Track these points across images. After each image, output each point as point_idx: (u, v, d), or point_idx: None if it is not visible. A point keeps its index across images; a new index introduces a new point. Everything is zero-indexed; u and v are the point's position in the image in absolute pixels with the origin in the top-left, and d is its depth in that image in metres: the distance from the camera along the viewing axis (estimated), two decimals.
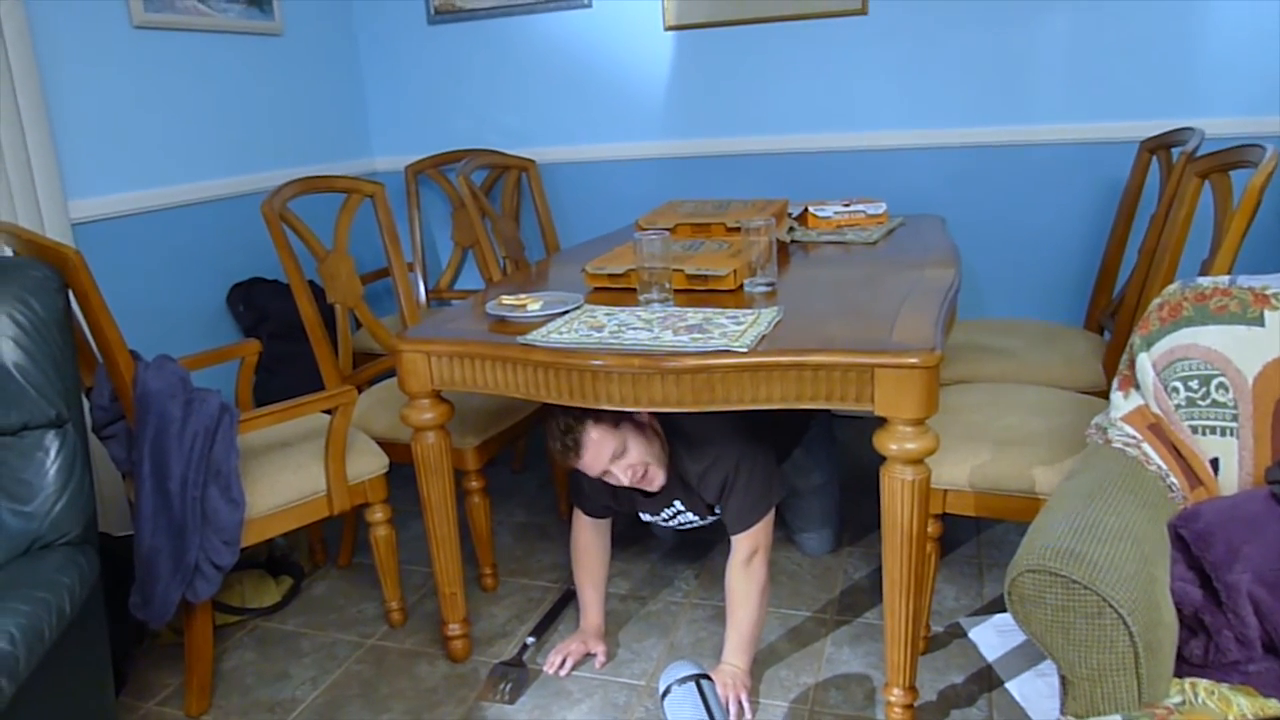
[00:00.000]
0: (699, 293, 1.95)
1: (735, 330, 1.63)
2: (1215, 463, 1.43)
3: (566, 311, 1.84)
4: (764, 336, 1.60)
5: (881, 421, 1.55)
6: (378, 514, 2.14)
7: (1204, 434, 1.44)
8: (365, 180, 2.52)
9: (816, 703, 1.89)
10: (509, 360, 1.69)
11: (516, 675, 2.01)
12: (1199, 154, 2.05)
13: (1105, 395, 1.61)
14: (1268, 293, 1.43)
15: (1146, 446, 1.46)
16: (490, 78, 3.37)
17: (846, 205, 2.64)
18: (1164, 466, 1.44)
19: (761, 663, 2.00)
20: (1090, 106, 2.78)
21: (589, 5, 3.18)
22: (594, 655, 2.05)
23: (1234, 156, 1.87)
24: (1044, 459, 1.76)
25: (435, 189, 3.41)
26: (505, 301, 1.89)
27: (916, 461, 1.56)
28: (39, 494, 1.56)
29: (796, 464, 2.36)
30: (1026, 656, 1.95)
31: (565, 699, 1.94)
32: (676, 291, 1.91)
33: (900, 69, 2.93)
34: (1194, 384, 1.44)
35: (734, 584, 1.91)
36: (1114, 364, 2.01)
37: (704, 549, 2.51)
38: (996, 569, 2.33)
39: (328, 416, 2.03)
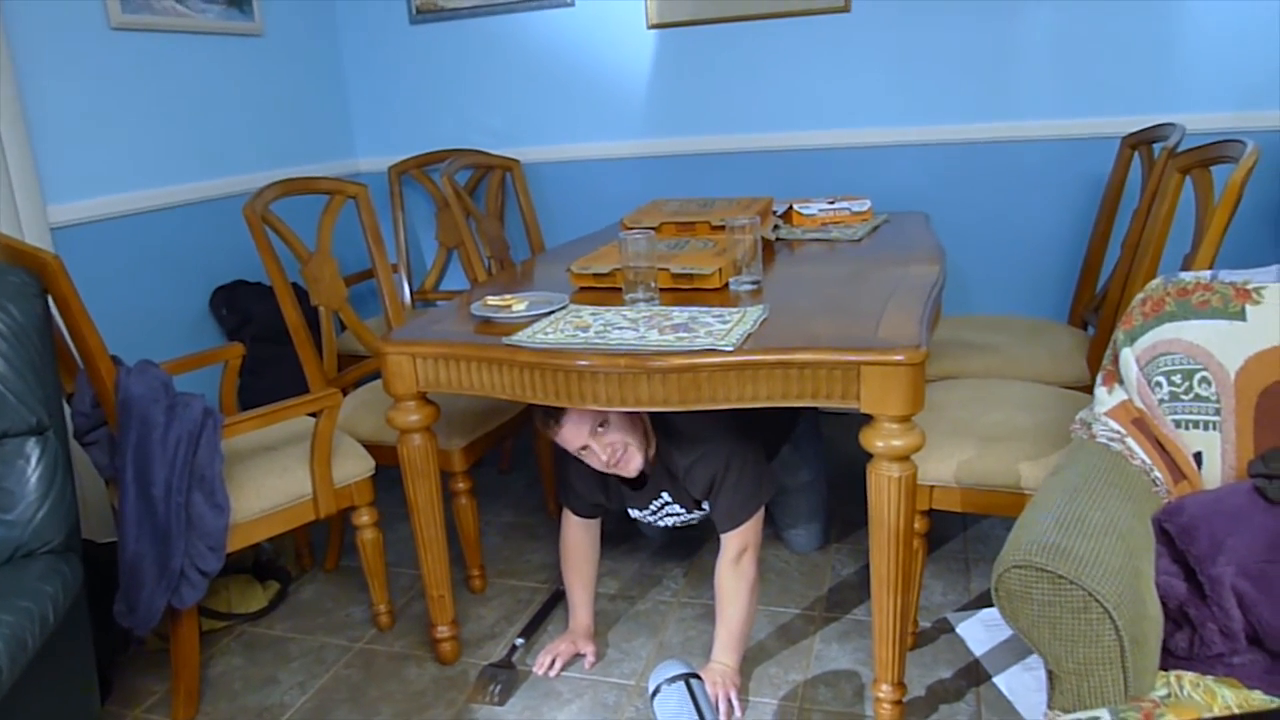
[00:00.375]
0: (684, 291, 1.95)
1: (721, 329, 1.63)
2: (1198, 456, 1.44)
3: (552, 312, 1.83)
4: (750, 335, 1.60)
5: (868, 419, 1.56)
6: (364, 517, 2.13)
7: (1187, 428, 1.45)
8: (348, 181, 2.50)
9: (806, 700, 1.89)
10: (494, 361, 1.69)
11: (506, 676, 2.00)
12: (1180, 149, 2.06)
13: (1089, 390, 1.62)
14: (1249, 287, 1.44)
15: (1130, 441, 1.47)
16: (473, 77, 3.36)
17: (831, 203, 2.64)
18: (1148, 461, 1.45)
19: (751, 660, 2.00)
20: (1072, 102, 2.79)
21: (571, 4, 3.17)
22: (583, 655, 2.05)
23: (1215, 152, 1.88)
24: (1029, 454, 1.76)
25: (419, 190, 3.40)
26: (490, 302, 1.88)
27: (903, 458, 1.56)
28: (20, 502, 1.55)
29: (784, 461, 2.36)
30: (1013, 651, 1.96)
31: (555, 700, 1.94)
32: (662, 290, 1.91)
33: (883, 66, 2.93)
34: (1177, 378, 1.45)
35: (723, 582, 1.91)
36: (1098, 359, 2.02)
37: (693, 548, 2.51)
38: (983, 564, 2.34)
39: (313, 420, 2.01)
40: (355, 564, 2.29)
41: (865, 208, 2.63)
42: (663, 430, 1.93)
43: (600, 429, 1.82)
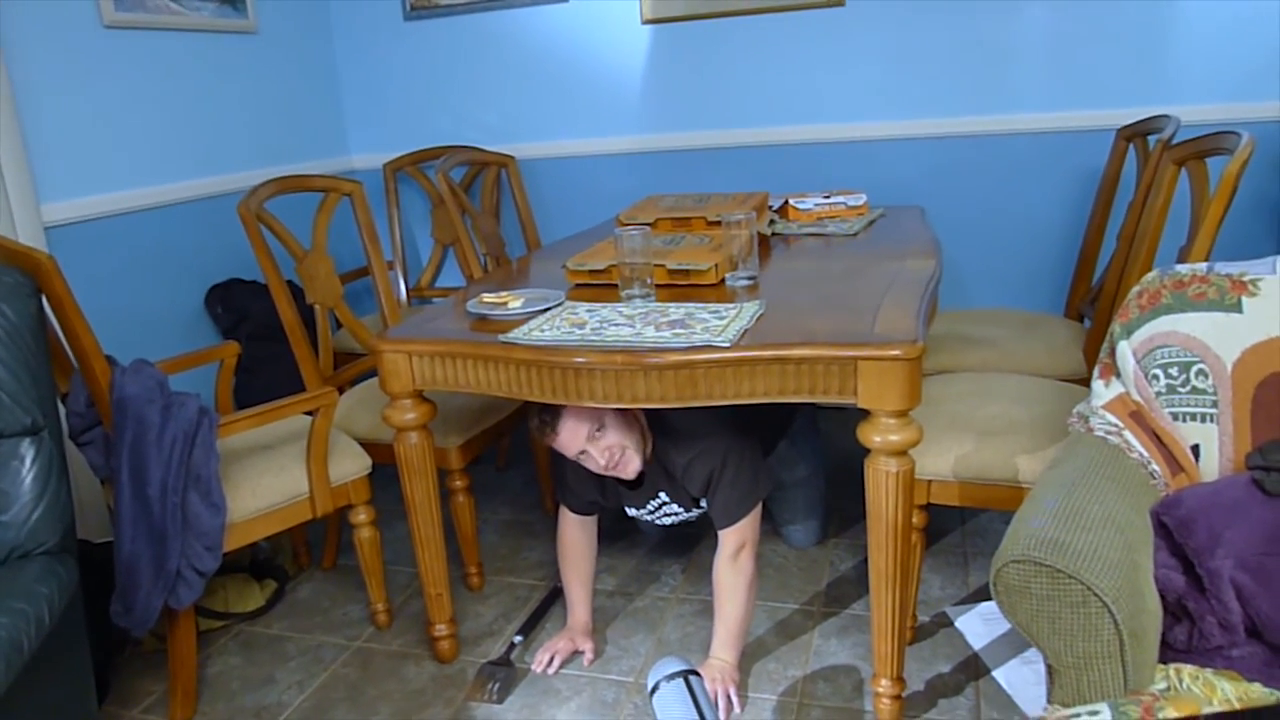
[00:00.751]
0: (681, 287, 1.95)
1: (717, 325, 1.63)
2: (1196, 449, 1.44)
3: (548, 308, 1.83)
4: (746, 331, 1.60)
5: (865, 413, 1.55)
6: (361, 515, 2.13)
7: (1184, 420, 1.45)
8: (343, 179, 2.49)
9: (805, 695, 1.89)
10: (490, 359, 1.68)
11: (504, 674, 2.00)
12: (1175, 141, 2.06)
13: (1086, 383, 1.62)
14: (1245, 279, 1.43)
15: (1128, 434, 1.47)
16: (468, 74, 3.35)
17: (826, 197, 2.64)
18: (1145, 454, 1.45)
19: (749, 656, 2.00)
20: (1067, 95, 2.79)
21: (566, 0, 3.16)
22: (582, 652, 2.05)
23: (1210, 144, 1.88)
24: (1027, 448, 1.76)
25: (414, 186, 3.39)
26: (486, 299, 1.88)
27: (900, 453, 1.56)
28: (15, 503, 1.54)
29: (781, 456, 2.36)
30: (1012, 644, 1.96)
31: (554, 697, 1.94)
32: (658, 286, 1.90)
33: (878, 60, 2.93)
34: (1174, 371, 1.45)
35: (722, 579, 1.91)
36: (1094, 351, 2.02)
37: (691, 544, 2.51)
38: (981, 558, 2.34)
39: (309, 418, 2.01)
40: (353, 562, 2.28)
41: (861, 202, 2.63)
42: (659, 428, 1.93)
43: (597, 433, 1.82)
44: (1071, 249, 2.70)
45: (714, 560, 1.94)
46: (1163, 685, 1.20)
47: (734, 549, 1.90)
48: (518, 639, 2.12)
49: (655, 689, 1.75)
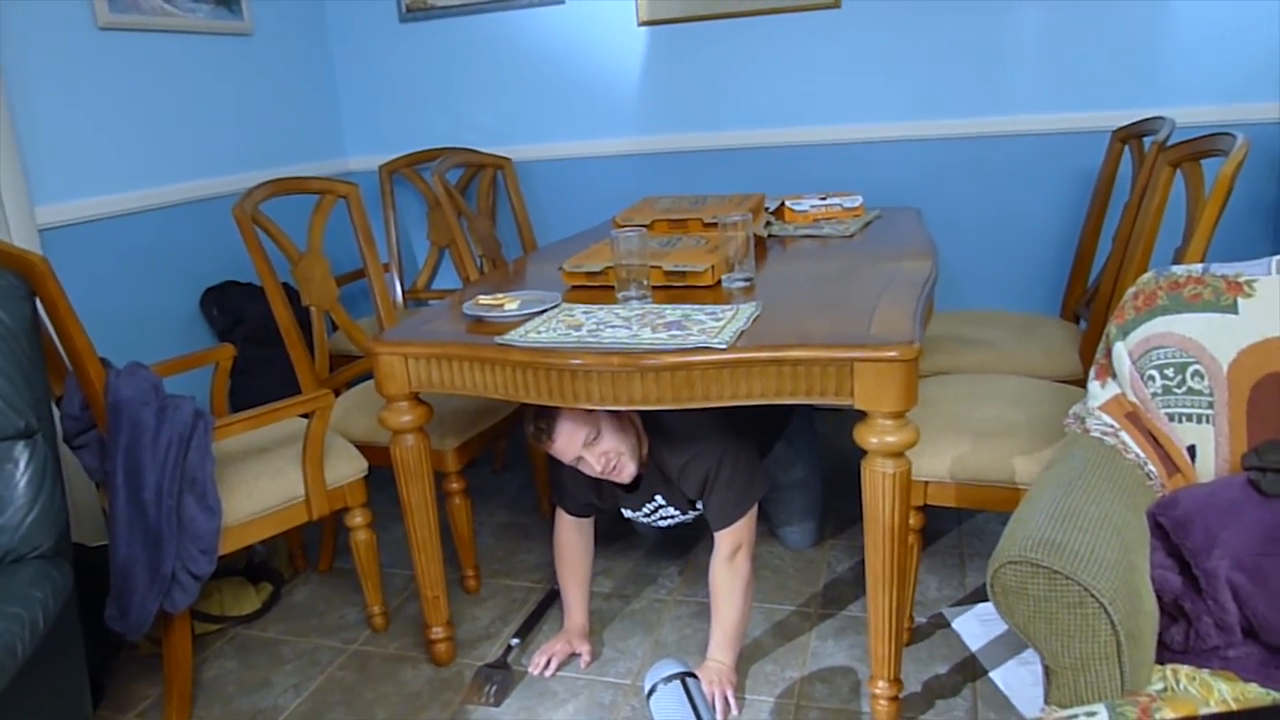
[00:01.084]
0: (677, 289, 1.95)
1: (714, 326, 1.63)
2: (1192, 450, 1.44)
3: (544, 310, 1.83)
4: (743, 332, 1.60)
5: (862, 415, 1.55)
6: (357, 518, 2.12)
7: (1181, 421, 1.45)
8: (339, 181, 2.49)
9: (802, 697, 1.89)
10: (487, 361, 1.68)
11: (501, 677, 2.00)
12: (1170, 143, 2.06)
13: (1083, 384, 1.62)
14: (1240, 280, 1.44)
15: (1124, 435, 1.47)
16: (464, 76, 3.35)
17: (823, 199, 2.64)
18: (1142, 454, 1.45)
19: (747, 658, 2.00)
20: (1063, 97, 2.79)
21: (562, 1, 3.16)
22: (579, 655, 2.04)
23: (1205, 145, 1.88)
24: (1023, 449, 1.76)
25: (410, 188, 3.38)
26: (482, 301, 1.87)
27: (897, 454, 1.56)
28: (9, 506, 1.54)
29: (778, 458, 2.36)
30: (1009, 645, 1.96)
31: (551, 700, 1.94)
32: (654, 288, 1.90)
33: (873, 62, 2.93)
34: (1170, 372, 1.45)
35: (718, 580, 1.91)
36: (1090, 353, 2.02)
37: (687, 546, 2.51)
38: (978, 558, 2.34)
39: (305, 421, 2.00)
40: (349, 565, 2.28)
41: (857, 203, 2.63)
42: (655, 431, 1.93)
43: (592, 440, 1.82)
44: (1067, 250, 2.71)
45: (710, 562, 1.93)
46: (1160, 686, 1.20)
47: (730, 550, 1.90)
48: (515, 641, 2.12)
49: (652, 691, 1.74)
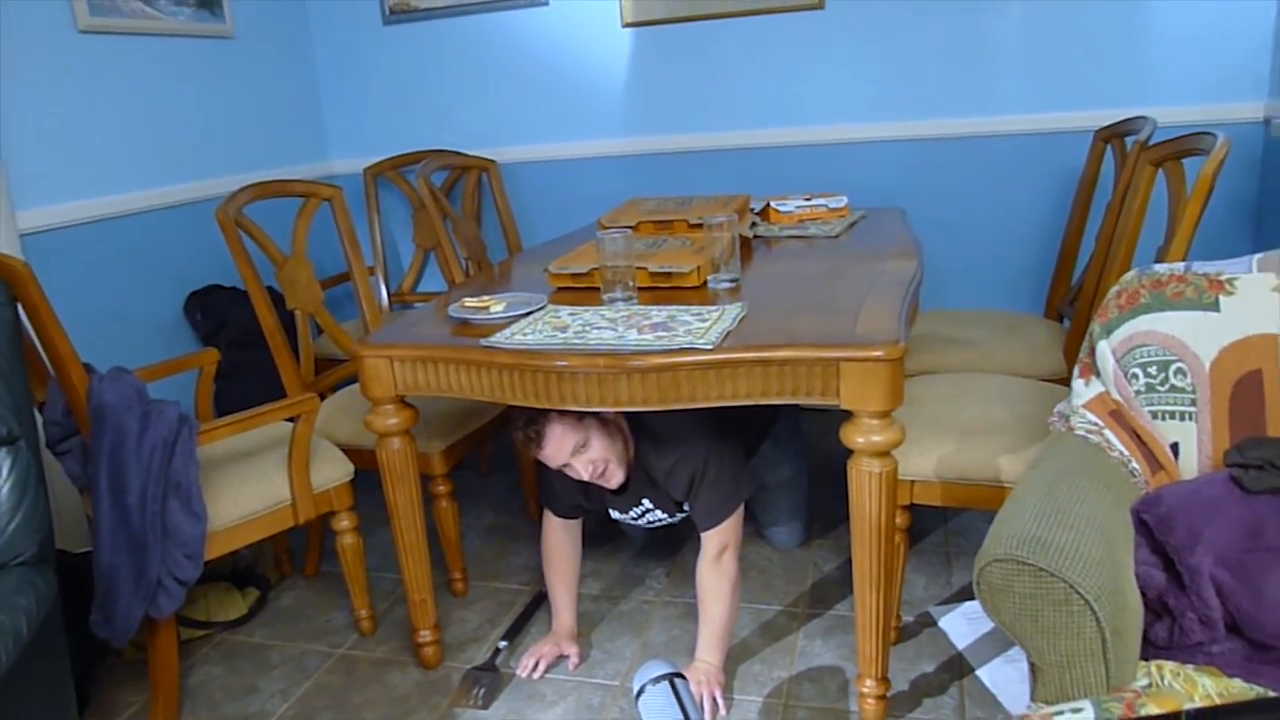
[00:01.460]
0: (663, 290, 1.95)
1: (700, 327, 1.63)
2: (1175, 447, 1.45)
3: (530, 312, 1.82)
4: (729, 333, 1.60)
5: (848, 414, 1.56)
6: (344, 522, 2.12)
7: (1164, 419, 1.46)
8: (323, 184, 2.48)
9: (790, 696, 1.89)
10: (472, 363, 1.68)
11: (490, 680, 1.99)
12: (1152, 142, 2.08)
13: (1067, 382, 1.63)
14: (1222, 278, 1.45)
15: (1108, 433, 1.48)
16: (448, 78, 3.34)
17: (808, 199, 2.65)
18: (1125, 452, 1.46)
19: (735, 658, 2.00)
20: (1045, 97, 2.81)
21: (546, 3, 3.16)
22: (567, 657, 2.04)
23: (1186, 144, 1.89)
24: (1008, 447, 1.77)
25: (395, 191, 3.37)
26: (468, 304, 1.87)
27: (883, 454, 1.57)
28: None
29: (764, 458, 2.37)
30: (996, 643, 1.97)
31: (539, 702, 1.93)
32: (640, 289, 1.90)
33: (858, 63, 2.94)
34: (1153, 370, 1.46)
35: (706, 581, 1.91)
36: (1074, 351, 2.03)
37: (675, 547, 2.51)
38: (964, 557, 2.35)
39: (290, 424, 2.00)
40: (336, 569, 2.27)
41: (842, 204, 2.64)
42: (641, 433, 1.93)
43: (581, 448, 1.82)
44: (1051, 249, 2.72)
45: (697, 563, 1.93)
46: (1145, 682, 1.21)
47: (717, 551, 1.90)
48: (503, 644, 2.11)
49: (641, 692, 1.75)
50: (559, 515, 2.10)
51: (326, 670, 2.10)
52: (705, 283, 1.97)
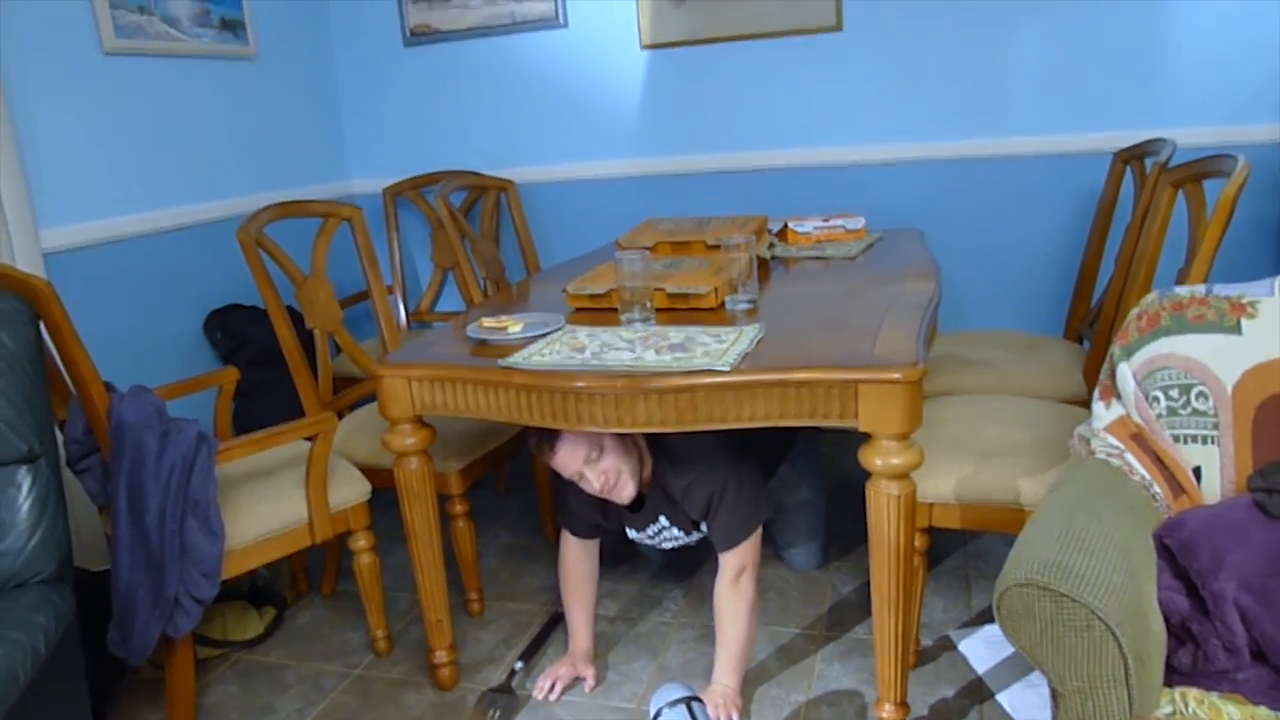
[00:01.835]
0: (681, 311, 1.95)
1: (718, 349, 1.63)
2: (1198, 471, 1.44)
3: (548, 333, 1.83)
4: (746, 355, 1.60)
5: (866, 436, 1.55)
6: (361, 541, 2.12)
7: (1186, 443, 1.44)
8: (342, 204, 2.50)
9: None
10: (490, 384, 1.68)
11: (505, 701, 1.98)
12: (1172, 164, 2.07)
13: (1086, 404, 1.62)
14: (1244, 301, 1.44)
15: (1129, 456, 1.46)
16: (467, 99, 3.37)
17: (825, 220, 2.65)
18: (1147, 476, 1.45)
19: (752, 681, 1.99)
20: (1064, 118, 2.80)
21: (565, 25, 3.18)
22: (583, 679, 2.03)
23: (1206, 166, 1.88)
24: (1028, 470, 1.76)
25: (414, 211, 3.40)
26: (486, 324, 1.88)
27: (902, 476, 1.56)
28: (11, 531, 1.53)
29: (782, 479, 2.36)
30: (1016, 668, 1.95)
31: None
32: (658, 310, 1.91)
33: (876, 85, 2.95)
34: (1174, 393, 1.45)
35: (723, 603, 1.90)
36: (1094, 373, 2.02)
37: (692, 569, 2.50)
38: (984, 580, 2.33)
39: (309, 444, 2.00)
40: (352, 589, 2.27)
41: (860, 225, 2.64)
42: (659, 452, 1.93)
43: (595, 458, 1.81)
44: (1070, 271, 2.71)
45: (715, 584, 1.92)
46: (1168, 709, 1.19)
47: (735, 573, 1.89)
48: (519, 665, 2.10)
49: (657, 716, 1.74)
50: (577, 535, 2.09)
51: (342, 690, 2.09)
52: (723, 304, 1.97)
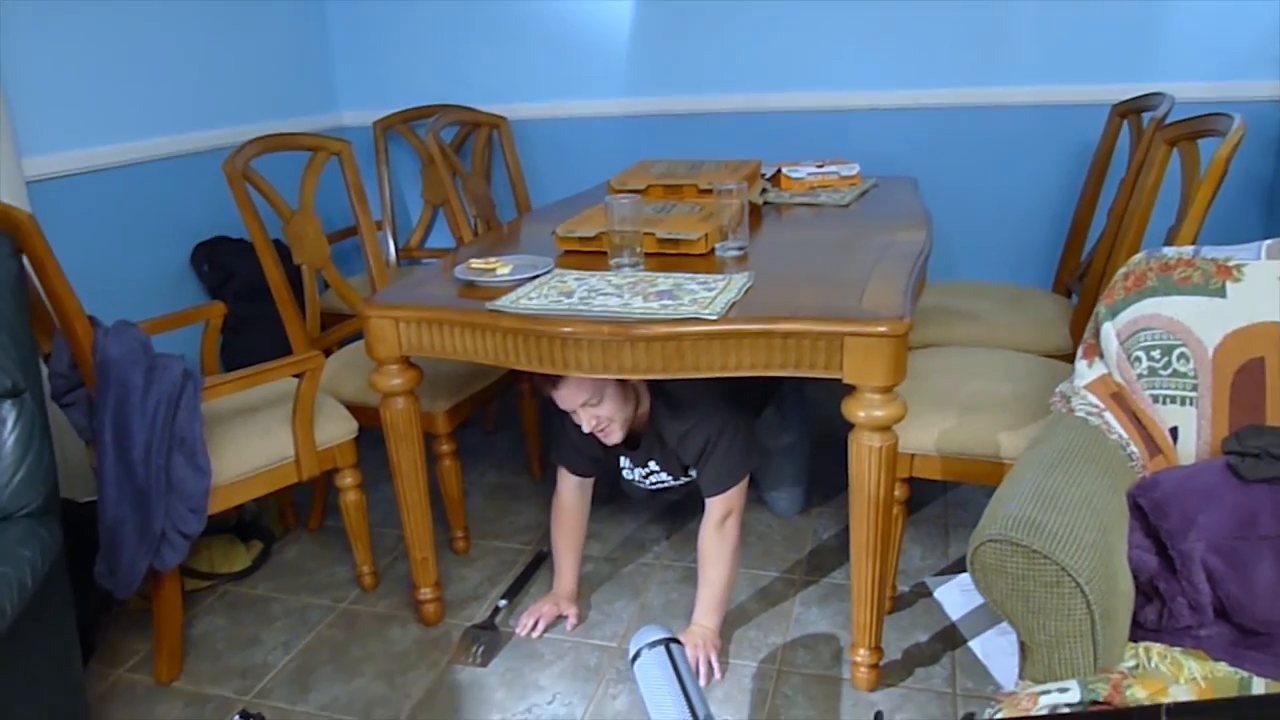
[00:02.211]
0: (670, 256, 1.94)
1: (706, 296, 1.62)
2: (1175, 432, 1.45)
3: (536, 276, 1.82)
4: (734, 303, 1.60)
5: (851, 387, 1.56)
6: (347, 479, 2.13)
7: (1164, 403, 1.46)
8: (331, 137, 2.46)
9: (784, 662, 1.92)
10: (477, 326, 1.68)
11: (488, 638, 2.02)
12: (1169, 120, 2.05)
13: (1072, 359, 1.62)
14: (1230, 264, 1.44)
15: (1109, 415, 1.48)
16: (461, 32, 3.29)
17: (820, 166, 2.62)
18: (1125, 435, 1.46)
19: (731, 623, 2.03)
20: (1063, 69, 2.77)
21: None
22: (566, 617, 2.07)
23: (1202, 125, 1.87)
24: (1009, 424, 1.78)
25: (404, 145, 3.35)
26: (474, 265, 1.87)
27: (884, 429, 1.57)
28: None
29: (767, 423, 2.37)
30: (989, 616, 1.99)
31: (537, 661, 1.96)
32: (647, 255, 1.90)
33: (875, 29, 2.89)
34: (1156, 353, 1.46)
35: (707, 545, 1.93)
36: (1081, 327, 2.03)
37: (676, 512, 2.53)
38: (962, 529, 2.37)
39: (295, 381, 2.00)
40: (339, 524, 2.29)
41: (854, 172, 2.62)
42: (658, 395, 1.93)
43: (594, 402, 1.83)
44: (1062, 224, 2.70)
45: (700, 527, 1.95)
46: (1132, 663, 1.23)
47: (720, 516, 1.92)
48: (502, 603, 2.14)
49: (637, 656, 1.76)
50: (575, 473, 2.10)
51: (328, 624, 2.13)
52: (713, 250, 1.96)
